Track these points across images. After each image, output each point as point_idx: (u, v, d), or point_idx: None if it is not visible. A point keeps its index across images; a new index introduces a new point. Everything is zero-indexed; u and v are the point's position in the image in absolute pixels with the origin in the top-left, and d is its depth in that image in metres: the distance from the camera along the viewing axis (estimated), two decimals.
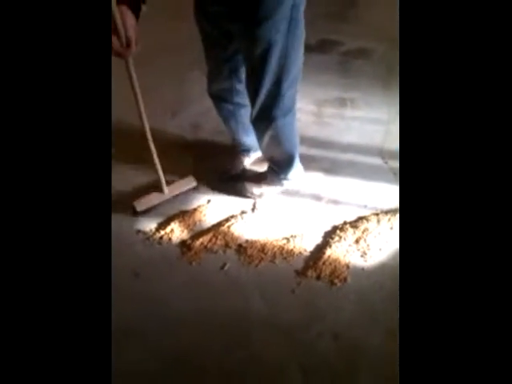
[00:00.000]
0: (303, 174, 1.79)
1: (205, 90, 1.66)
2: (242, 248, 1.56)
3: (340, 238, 1.56)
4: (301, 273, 1.47)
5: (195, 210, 1.72)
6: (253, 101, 1.45)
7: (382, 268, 1.47)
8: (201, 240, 1.59)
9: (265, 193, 1.77)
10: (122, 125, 1.87)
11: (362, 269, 1.47)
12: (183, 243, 1.59)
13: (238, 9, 1.25)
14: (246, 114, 1.72)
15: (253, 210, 1.72)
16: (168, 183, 1.75)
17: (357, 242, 1.55)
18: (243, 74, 1.51)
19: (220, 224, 1.66)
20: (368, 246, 1.53)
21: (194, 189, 1.81)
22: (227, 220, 1.67)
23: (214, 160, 1.90)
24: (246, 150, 1.88)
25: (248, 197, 1.77)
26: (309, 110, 2.20)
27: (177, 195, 1.78)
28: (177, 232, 1.63)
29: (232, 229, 1.63)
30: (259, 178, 1.79)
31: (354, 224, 1.61)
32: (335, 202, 1.73)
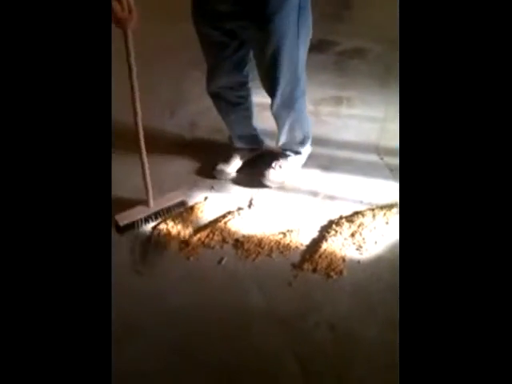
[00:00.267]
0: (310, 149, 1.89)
1: (203, 89, 1.68)
2: (239, 243, 1.58)
3: (336, 232, 1.57)
4: (297, 266, 1.49)
5: (192, 207, 1.74)
6: (273, 92, 1.53)
7: (377, 261, 1.48)
8: (198, 236, 1.61)
9: (285, 179, 1.81)
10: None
11: (358, 262, 1.49)
12: (181, 239, 1.61)
13: (248, 6, 1.28)
14: (245, 110, 1.75)
15: (249, 205, 1.74)
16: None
17: (352, 235, 1.56)
18: (246, 68, 1.56)
19: (217, 220, 1.67)
20: (364, 239, 1.54)
21: (182, 204, 1.72)
22: (224, 216, 1.69)
23: (211, 158, 1.92)
24: (244, 148, 1.90)
25: (268, 186, 1.79)
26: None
27: (162, 209, 1.68)
28: (174, 229, 1.65)
29: (229, 224, 1.64)
30: (276, 166, 1.81)
31: (350, 218, 1.63)
32: (332, 197, 1.75)
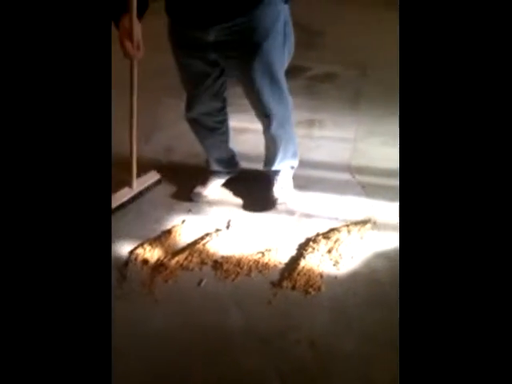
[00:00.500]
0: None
1: (177, 115, 1.71)
2: (218, 264, 1.58)
3: (313, 249, 1.60)
4: (276, 284, 1.50)
5: (170, 230, 1.74)
6: (267, 116, 1.55)
7: (353, 275, 1.51)
8: (176, 259, 1.61)
9: (290, 194, 1.83)
10: None
11: (335, 277, 1.51)
12: (159, 263, 1.60)
13: (235, 35, 1.33)
14: (222, 135, 1.78)
15: (227, 227, 1.75)
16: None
17: (329, 252, 1.59)
18: (225, 93, 1.58)
19: (195, 242, 1.68)
20: (340, 255, 1.57)
21: (158, 182, 1.91)
22: (202, 238, 1.69)
23: (188, 181, 1.94)
24: (220, 172, 1.92)
25: (274, 207, 1.79)
26: None
27: (145, 189, 1.85)
28: (152, 253, 1.65)
29: (207, 246, 1.65)
30: (277, 185, 1.83)
31: (327, 235, 1.66)
32: (308, 215, 1.78)
